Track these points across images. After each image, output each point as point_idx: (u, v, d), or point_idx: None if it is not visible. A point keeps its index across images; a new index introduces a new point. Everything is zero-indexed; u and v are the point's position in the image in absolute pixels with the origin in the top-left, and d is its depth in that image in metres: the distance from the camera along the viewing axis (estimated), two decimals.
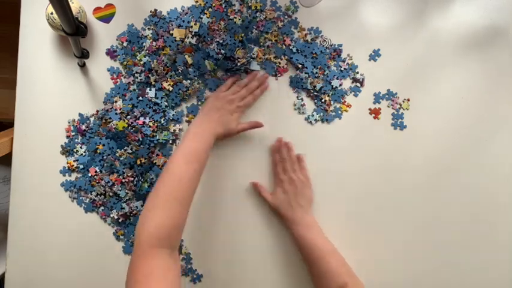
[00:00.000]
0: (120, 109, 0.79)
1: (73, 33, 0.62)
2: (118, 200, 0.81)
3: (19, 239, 0.82)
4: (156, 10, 0.78)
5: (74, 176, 0.81)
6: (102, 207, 0.81)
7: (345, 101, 0.80)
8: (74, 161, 0.81)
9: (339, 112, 0.80)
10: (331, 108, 0.80)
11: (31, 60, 0.79)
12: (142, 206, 0.81)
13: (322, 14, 0.79)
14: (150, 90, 0.79)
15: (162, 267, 0.56)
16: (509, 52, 0.78)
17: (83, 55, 0.75)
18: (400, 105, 0.80)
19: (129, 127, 0.79)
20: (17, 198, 0.81)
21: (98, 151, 0.80)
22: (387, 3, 0.78)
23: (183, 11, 0.78)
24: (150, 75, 0.78)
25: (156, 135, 0.79)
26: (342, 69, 0.79)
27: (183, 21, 0.77)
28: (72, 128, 0.80)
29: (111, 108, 0.79)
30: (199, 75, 0.79)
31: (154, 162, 0.79)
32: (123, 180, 0.80)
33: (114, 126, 0.78)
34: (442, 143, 0.80)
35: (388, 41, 0.79)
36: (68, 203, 0.82)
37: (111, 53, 0.79)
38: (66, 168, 0.81)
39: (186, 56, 0.77)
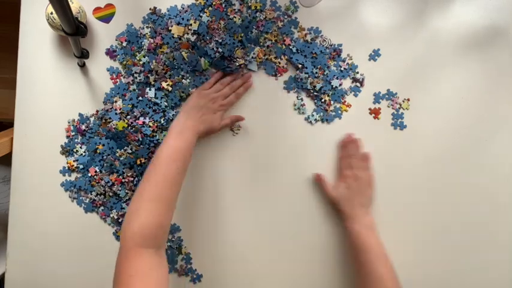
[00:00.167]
0: (120, 109, 0.79)
1: (73, 33, 0.62)
2: (118, 200, 0.81)
3: (19, 239, 0.82)
4: (155, 8, 0.78)
5: (73, 176, 0.81)
6: (102, 207, 0.81)
7: (345, 101, 0.80)
8: (73, 161, 0.81)
9: (339, 112, 0.80)
10: (331, 108, 0.80)
11: (31, 60, 0.79)
12: None
13: (322, 14, 0.79)
14: (149, 90, 0.79)
15: (147, 266, 0.56)
16: (509, 52, 0.78)
17: (83, 55, 0.75)
18: (400, 105, 0.79)
19: (129, 127, 0.79)
20: (17, 198, 0.82)
21: (98, 151, 0.80)
22: (387, 3, 0.78)
23: (183, 8, 0.78)
24: (149, 75, 0.78)
25: (156, 135, 0.79)
26: (342, 69, 0.79)
27: (183, 19, 0.77)
28: (72, 128, 0.80)
29: (111, 108, 0.79)
30: (190, 72, 0.78)
31: None
32: (123, 180, 0.80)
33: (114, 126, 0.78)
34: (442, 143, 0.80)
35: (388, 41, 0.79)
36: (68, 203, 0.82)
37: (110, 53, 0.79)
38: (66, 168, 0.81)
39: (183, 53, 0.77)
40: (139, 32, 0.78)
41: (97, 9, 0.78)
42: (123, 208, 0.80)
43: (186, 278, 0.83)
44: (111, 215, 0.81)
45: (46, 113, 0.80)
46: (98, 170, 0.80)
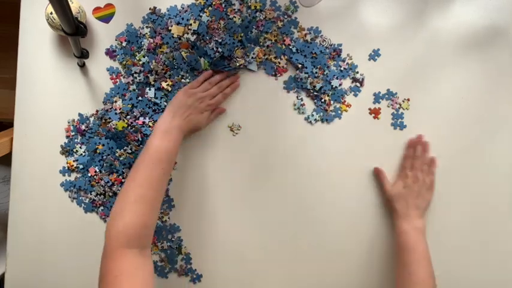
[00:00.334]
0: (119, 109, 0.79)
1: (73, 33, 0.62)
2: None
3: (19, 239, 0.82)
4: (155, 8, 0.78)
5: (73, 176, 0.81)
6: (101, 207, 0.81)
7: (345, 101, 0.80)
8: (73, 161, 0.81)
9: (339, 112, 0.80)
10: (331, 108, 0.80)
11: (31, 60, 0.79)
12: None
13: (322, 14, 0.78)
14: (149, 90, 0.79)
15: (133, 266, 0.57)
16: (509, 52, 0.78)
17: (83, 55, 0.75)
18: (400, 105, 0.79)
19: (129, 127, 0.79)
20: (17, 198, 0.82)
21: (98, 151, 0.80)
22: (387, 3, 0.78)
23: (183, 8, 0.78)
24: (149, 75, 0.78)
25: None
26: (342, 69, 0.79)
27: (182, 18, 0.77)
28: (71, 128, 0.80)
29: (110, 108, 0.79)
30: (189, 71, 0.78)
31: None
32: (123, 180, 0.80)
33: (113, 126, 0.78)
34: (442, 143, 0.80)
35: (388, 41, 0.79)
36: (68, 203, 0.82)
37: (110, 53, 0.79)
38: (66, 168, 0.81)
39: (183, 53, 0.77)
40: (139, 32, 0.78)
41: (97, 9, 0.78)
42: None
43: (186, 278, 0.83)
44: None
45: (46, 113, 0.80)
46: (97, 170, 0.80)
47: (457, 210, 0.80)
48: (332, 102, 0.80)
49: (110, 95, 0.80)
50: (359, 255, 0.81)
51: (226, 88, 0.78)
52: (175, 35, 0.77)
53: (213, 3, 0.77)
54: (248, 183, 0.81)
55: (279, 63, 0.79)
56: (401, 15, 0.78)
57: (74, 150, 0.81)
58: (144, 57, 0.78)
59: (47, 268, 0.83)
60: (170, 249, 0.82)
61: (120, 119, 0.79)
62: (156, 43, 0.78)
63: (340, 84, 0.79)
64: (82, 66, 0.79)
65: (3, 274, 0.84)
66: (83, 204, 0.82)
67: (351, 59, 0.79)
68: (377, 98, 0.80)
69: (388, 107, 0.80)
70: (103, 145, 0.80)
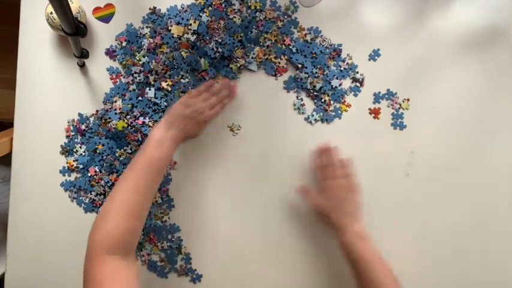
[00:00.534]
0: (119, 109, 0.79)
1: (73, 33, 0.62)
2: None
3: (19, 239, 0.82)
4: (155, 8, 0.78)
5: (73, 176, 0.81)
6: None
7: (345, 101, 0.80)
8: (73, 160, 0.81)
9: (339, 112, 0.80)
10: (331, 108, 0.80)
11: (31, 60, 0.79)
12: None
13: (322, 14, 0.79)
14: (149, 90, 0.79)
15: (115, 270, 0.57)
16: (509, 52, 0.78)
17: (83, 55, 0.75)
18: (400, 105, 0.79)
19: (129, 127, 0.79)
20: (17, 198, 0.82)
21: (98, 151, 0.80)
22: (387, 3, 0.78)
23: (183, 8, 0.78)
24: (149, 75, 0.78)
25: None
26: (342, 69, 0.79)
27: (182, 18, 0.77)
28: (71, 128, 0.80)
29: (110, 108, 0.79)
30: (189, 71, 0.78)
31: None
32: None
33: (113, 126, 0.78)
34: (442, 143, 0.80)
35: (388, 41, 0.79)
36: (68, 203, 0.82)
37: (110, 53, 0.79)
38: (66, 168, 0.81)
39: (183, 53, 0.77)
40: (139, 32, 0.78)
41: (97, 9, 0.78)
42: None
43: (186, 278, 0.83)
44: None
45: (46, 113, 0.80)
46: (97, 170, 0.80)
47: (457, 210, 0.80)
48: (332, 102, 0.80)
49: (110, 95, 0.80)
50: None
51: (226, 99, 0.78)
52: (175, 35, 0.77)
53: (213, 3, 0.77)
54: (248, 183, 0.81)
55: (279, 63, 0.79)
56: (401, 15, 0.78)
57: (74, 150, 0.81)
58: (144, 57, 0.78)
59: (47, 268, 0.83)
60: (170, 249, 0.82)
61: (120, 119, 0.79)
62: (156, 43, 0.78)
63: (340, 84, 0.79)
64: (82, 66, 0.79)
65: (3, 274, 0.84)
66: (83, 204, 0.82)
67: (351, 59, 0.79)
68: (377, 98, 0.80)
69: (388, 107, 0.80)
70: (103, 145, 0.80)
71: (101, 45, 0.79)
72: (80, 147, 0.80)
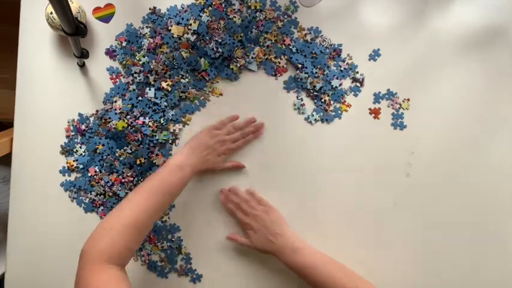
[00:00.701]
0: (119, 109, 0.79)
1: (73, 33, 0.62)
2: (118, 200, 0.81)
3: (19, 239, 0.82)
4: (155, 8, 0.78)
5: (73, 175, 0.81)
6: (101, 207, 0.81)
7: (345, 101, 0.80)
8: (73, 160, 0.81)
9: (339, 112, 0.80)
10: (331, 108, 0.80)
11: (31, 60, 0.79)
12: None
13: (322, 14, 0.79)
14: (149, 90, 0.79)
15: (113, 279, 0.58)
16: (509, 52, 0.78)
17: (83, 55, 0.75)
18: (400, 105, 0.79)
19: (129, 127, 0.79)
20: (16, 198, 0.82)
21: (98, 151, 0.80)
22: (387, 3, 0.78)
23: (183, 8, 0.78)
24: (149, 75, 0.78)
25: (155, 135, 0.79)
26: (342, 69, 0.79)
27: (182, 18, 0.77)
28: (71, 128, 0.80)
29: (110, 108, 0.79)
30: (190, 71, 0.78)
31: (153, 162, 0.79)
32: (123, 180, 0.80)
33: (113, 126, 0.78)
34: (442, 143, 0.80)
35: (388, 41, 0.79)
36: (68, 203, 0.82)
37: (110, 53, 0.79)
38: (66, 168, 0.81)
39: (183, 53, 0.77)
40: (139, 32, 0.78)
41: (97, 9, 0.78)
42: None
43: (186, 278, 0.83)
44: None
45: (46, 113, 0.80)
46: (97, 170, 0.80)
47: (457, 210, 0.80)
48: (332, 102, 0.80)
49: (110, 95, 0.80)
50: (359, 254, 0.81)
51: (249, 135, 0.78)
52: (175, 35, 0.77)
53: (213, 3, 0.77)
54: (248, 183, 0.81)
55: (279, 63, 0.79)
56: (401, 15, 0.78)
57: (74, 150, 0.81)
58: (144, 57, 0.78)
59: (46, 268, 0.83)
60: (170, 249, 0.82)
61: (120, 119, 0.79)
62: (156, 43, 0.78)
63: (340, 84, 0.79)
64: (82, 66, 0.79)
65: (3, 274, 0.84)
66: (83, 204, 0.82)
67: (351, 59, 0.79)
68: (377, 98, 0.80)
69: (388, 107, 0.80)
70: (103, 145, 0.80)
71: (101, 45, 0.79)
72: (80, 147, 0.80)
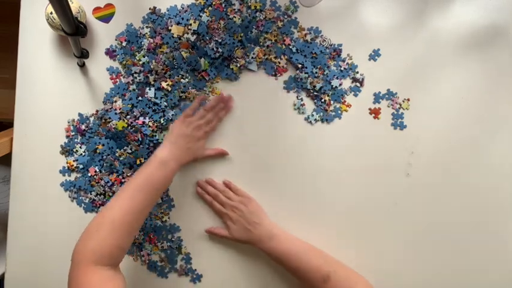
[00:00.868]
0: (119, 109, 0.79)
1: (73, 33, 0.62)
2: None
3: (19, 239, 0.82)
4: (155, 7, 0.78)
5: (73, 175, 0.81)
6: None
7: (345, 101, 0.80)
8: (73, 160, 0.81)
9: (339, 112, 0.80)
10: (331, 108, 0.80)
11: (31, 60, 0.79)
12: None
13: (322, 14, 0.78)
14: (149, 90, 0.79)
15: (103, 279, 0.58)
16: (509, 52, 0.78)
17: (83, 55, 0.75)
18: (400, 105, 0.79)
19: (129, 127, 0.79)
20: (16, 198, 0.82)
21: (98, 151, 0.80)
22: (387, 3, 0.78)
23: (183, 8, 0.78)
24: (149, 75, 0.78)
25: (155, 135, 0.79)
26: (342, 69, 0.79)
27: (182, 18, 0.77)
28: (71, 127, 0.80)
29: (110, 108, 0.79)
30: (190, 71, 0.78)
31: None
32: (123, 180, 0.80)
33: (113, 126, 0.78)
34: (442, 143, 0.80)
35: (388, 41, 0.79)
36: (68, 203, 0.82)
37: (110, 53, 0.79)
38: (66, 168, 0.81)
39: (183, 53, 0.77)
40: (139, 32, 0.78)
41: (97, 9, 0.78)
42: None
43: (186, 278, 0.83)
44: None
45: (46, 113, 0.80)
46: (97, 170, 0.80)
47: (457, 210, 0.80)
48: (332, 102, 0.80)
49: (109, 95, 0.80)
50: (358, 253, 0.81)
51: (221, 112, 0.79)
52: (175, 35, 0.77)
53: (213, 3, 0.77)
54: (248, 183, 0.81)
55: (279, 63, 0.79)
56: (401, 15, 0.78)
57: (74, 150, 0.81)
58: (144, 57, 0.78)
59: (46, 268, 0.83)
60: (170, 249, 0.82)
61: (120, 119, 0.79)
62: (156, 43, 0.78)
63: (340, 84, 0.79)
64: (82, 66, 0.79)
65: (3, 274, 0.84)
66: (83, 204, 0.82)
67: (351, 59, 0.79)
68: (377, 98, 0.80)
69: (388, 107, 0.80)
70: (103, 145, 0.80)
71: (101, 45, 0.79)
72: (80, 147, 0.80)
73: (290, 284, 0.81)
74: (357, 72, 0.79)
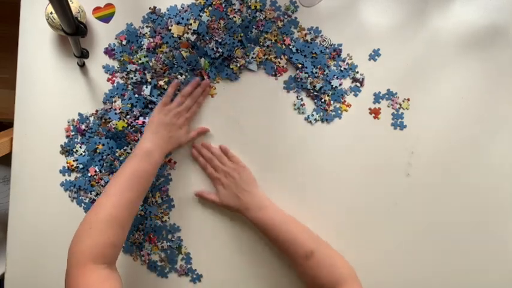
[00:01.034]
0: (119, 109, 0.79)
1: (73, 33, 0.62)
2: None
3: (19, 239, 0.82)
4: (155, 7, 0.78)
5: (73, 175, 0.81)
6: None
7: (345, 101, 0.80)
8: (73, 160, 0.81)
9: (339, 112, 0.80)
10: (331, 108, 0.80)
11: (31, 60, 0.79)
12: (141, 205, 0.81)
13: (322, 14, 0.79)
14: (146, 87, 0.79)
15: (99, 280, 0.58)
16: (509, 52, 0.78)
17: (83, 55, 0.75)
18: (400, 105, 0.79)
19: (129, 127, 0.79)
20: (16, 198, 0.82)
21: (98, 151, 0.80)
22: (387, 3, 0.78)
23: (183, 8, 0.78)
24: (146, 72, 0.78)
25: None
26: (342, 69, 0.79)
27: (182, 18, 0.77)
28: (71, 127, 0.80)
29: (110, 108, 0.79)
30: (190, 71, 0.78)
31: None
32: None
33: (113, 126, 0.78)
34: (442, 143, 0.80)
35: (388, 41, 0.79)
36: (68, 203, 0.82)
37: (109, 52, 0.79)
38: (66, 168, 0.81)
39: (183, 52, 0.77)
40: (138, 32, 0.78)
41: (97, 9, 0.78)
42: None
43: (186, 278, 0.83)
44: None
45: (46, 113, 0.80)
46: (97, 170, 0.80)
47: (457, 210, 0.80)
48: (332, 102, 0.80)
49: (109, 94, 0.80)
50: (358, 253, 0.81)
51: (199, 98, 0.78)
52: (175, 35, 0.77)
53: (213, 3, 0.77)
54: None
55: (279, 63, 0.79)
56: (401, 15, 0.78)
57: (74, 150, 0.81)
58: (144, 57, 0.78)
59: (46, 268, 0.83)
60: (170, 249, 0.82)
61: (120, 118, 0.79)
62: (156, 43, 0.78)
63: (340, 84, 0.79)
64: (82, 66, 0.79)
65: (3, 274, 0.84)
66: (83, 204, 0.82)
67: (351, 59, 0.79)
68: (377, 98, 0.80)
69: (388, 107, 0.80)
70: (103, 145, 0.80)
71: (101, 45, 0.79)
72: (80, 147, 0.81)
73: (290, 284, 0.81)
74: (357, 72, 0.79)
